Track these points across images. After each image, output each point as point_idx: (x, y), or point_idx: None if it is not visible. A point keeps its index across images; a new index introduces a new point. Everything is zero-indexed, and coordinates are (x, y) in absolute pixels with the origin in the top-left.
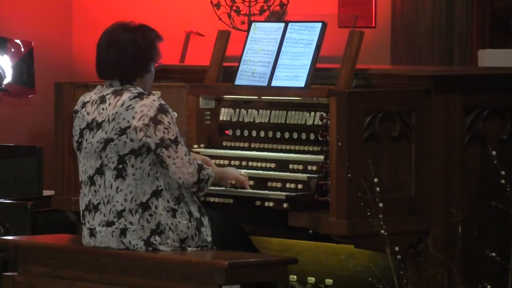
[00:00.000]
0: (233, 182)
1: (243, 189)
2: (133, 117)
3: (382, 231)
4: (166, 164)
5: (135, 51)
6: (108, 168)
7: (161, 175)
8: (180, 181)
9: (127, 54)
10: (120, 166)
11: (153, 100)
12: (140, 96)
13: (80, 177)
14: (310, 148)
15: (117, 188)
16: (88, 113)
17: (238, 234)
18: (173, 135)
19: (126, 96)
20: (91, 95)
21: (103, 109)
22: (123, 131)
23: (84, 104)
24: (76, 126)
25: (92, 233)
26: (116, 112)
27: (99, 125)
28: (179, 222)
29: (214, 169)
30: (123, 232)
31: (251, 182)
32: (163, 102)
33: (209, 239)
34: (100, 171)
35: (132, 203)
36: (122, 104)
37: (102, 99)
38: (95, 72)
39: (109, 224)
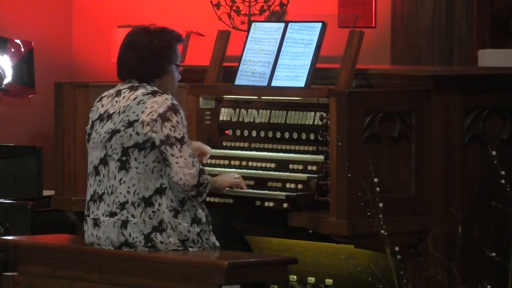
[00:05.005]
0: (228, 188)
1: (241, 190)
2: (143, 112)
3: (382, 231)
4: (169, 163)
5: (150, 52)
6: (111, 159)
7: (165, 174)
8: (181, 182)
9: (143, 56)
10: (124, 158)
11: (166, 99)
12: (153, 93)
13: (88, 168)
14: (310, 148)
15: (121, 179)
16: (102, 105)
17: (238, 239)
18: (179, 134)
19: (140, 91)
20: (110, 91)
21: (116, 101)
22: (130, 124)
23: (100, 99)
24: (90, 119)
25: (96, 223)
26: (128, 105)
27: (109, 116)
28: (180, 224)
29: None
30: (124, 224)
31: (251, 182)
32: (175, 102)
33: (217, 244)
34: (104, 161)
35: (134, 196)
36: (135, 99)
37: (118, 93)
38: (96, 72)
39: (112, 214)
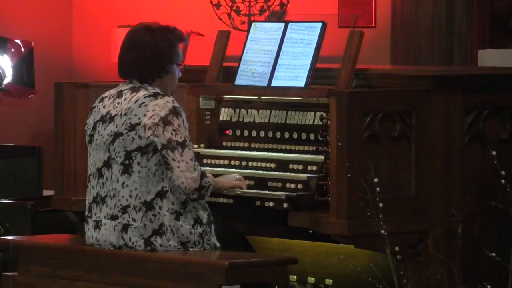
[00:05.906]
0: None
1: (241, 190)
2: (145, 115)
3: (382, 231)
4: (171, 167)
5: (152, 52)
6: (115, 162)
7: (167, 177)
8: (183, 186)
9: (145, 55)
10: (127, 161)
11: (167, 101)
12: (155, 95)
13: (89, 169)
14: (310, 148)
15: (123, 183)
16: (104, 106)
17: (239, 239)
18: (181, 138)
19: (141, 93)
20: (111, 91)
21: (118, 103)
22: (132, 127)
23: (102, 99)
24: (91, 120)
25: (97, 225)
26: (129, 108)
27: (111, 118)
28: (181, 226)
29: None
30: (125, 227)
31: (251, 182)
32: (177, 105)
33: (218, 245)
34: (107, 164)
35: (136, 200)
36: (136, 101)
37: (119, 94)
38: (96, 72)
39: (113, 217)
